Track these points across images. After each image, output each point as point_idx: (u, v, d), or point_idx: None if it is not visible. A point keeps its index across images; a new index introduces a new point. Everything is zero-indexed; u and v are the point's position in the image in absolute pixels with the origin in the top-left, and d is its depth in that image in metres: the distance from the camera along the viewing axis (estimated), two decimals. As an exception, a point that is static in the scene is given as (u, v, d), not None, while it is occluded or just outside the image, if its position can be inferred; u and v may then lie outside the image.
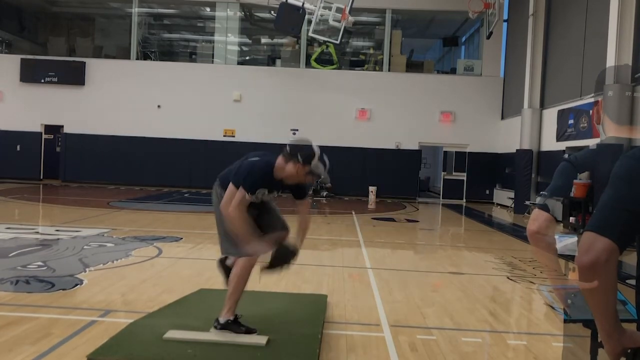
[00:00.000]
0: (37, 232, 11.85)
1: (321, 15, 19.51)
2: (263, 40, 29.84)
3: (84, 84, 26.13)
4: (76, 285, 7.23)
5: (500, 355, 5.44)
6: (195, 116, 25.54)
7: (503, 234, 15.97)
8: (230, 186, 4.91)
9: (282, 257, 4.92)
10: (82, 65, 26.15)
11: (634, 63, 14.27)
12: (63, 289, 6.99)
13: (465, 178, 25.87)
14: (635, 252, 1.99)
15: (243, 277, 4.97)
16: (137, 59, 26.97)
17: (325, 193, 24.48)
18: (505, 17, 25.40)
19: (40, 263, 8.38)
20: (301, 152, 4.87)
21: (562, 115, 18.88)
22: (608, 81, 14.62)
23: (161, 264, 8.93)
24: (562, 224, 16.32)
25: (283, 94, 25.48)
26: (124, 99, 25.88)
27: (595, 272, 1.79)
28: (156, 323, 5.26)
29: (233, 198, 4.81)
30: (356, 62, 28.40)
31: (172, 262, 9.24)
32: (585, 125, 16.92)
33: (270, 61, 27.87)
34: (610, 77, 14.55)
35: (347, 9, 19.10)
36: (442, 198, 26.14)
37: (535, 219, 3.39)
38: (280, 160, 4.93)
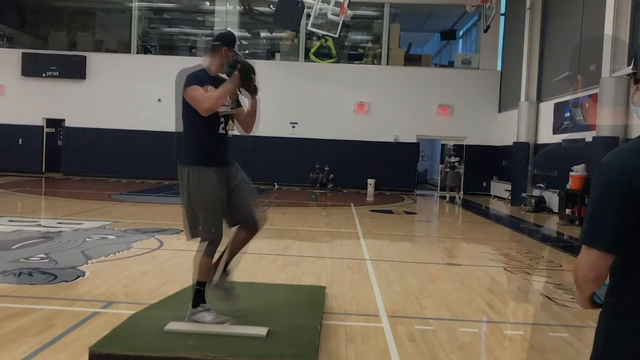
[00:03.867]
0: (40, 225, 11.90)
1: (320, 9, 19.50)
2: (262, 34, 29.82)
3: (85, 78, 26.16)
4: (78, 277, 7.30)
5: (497, 345, 5.52)
6: (195, 110, 25.50)
7: (500, 225, 16.06)
8: (185, 92, 4.91)
9: (246, 74, 4.88)
10: (83, 59, 26.18)
11: (629, 56, 14.32)
12: (65, 281, 7.07)
13: (462, 170, 25.89)
14: None
15: (204, 270, 4.97)
16: (138, 53, 27.01)
17: (330, 185, 24.59)
18: (503, 10, 25.41)
19: (42, 255, 8.45)
20: (218, 37, 5.06)
21: (558, 108, 18.95)
22: (604, 74, 14.69)
23: (162, 256, 9.01)
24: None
25: (282, 88, 25.46)
26: (125, 92, 25.91)
27: (597, 284, 2.06)
28: (157, 315, 5.29)
29: (197, 99, 4.79)
30: (355, 56, 28.43)
31: (173, 254, 9.32)
32: (581, 117, 17.00)
33: (270, 55, 27.89)
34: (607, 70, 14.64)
35: (346, 2, 19.08)
36: (440, 190, 26.18)
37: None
38: (205, 58, 5.10)
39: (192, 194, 4.90)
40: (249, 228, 5.11)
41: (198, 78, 4.89)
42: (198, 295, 4.96)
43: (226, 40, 5.03)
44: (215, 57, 5.01)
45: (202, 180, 4.87)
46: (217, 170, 4.91)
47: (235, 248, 5.16)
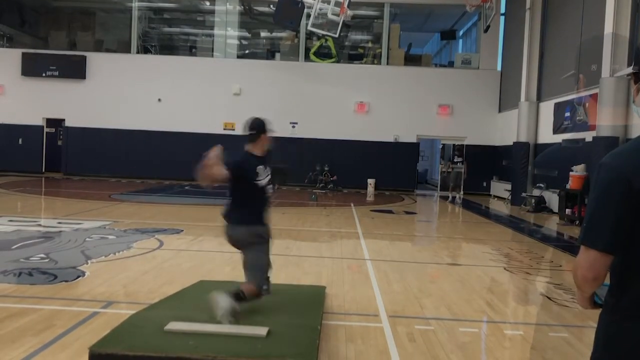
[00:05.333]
0: (40, 225, 11.90)
1: (320, 9, 19.50)
2: (262, 34, 29.81)
3: (85, 78, 26.15)
4: (78, 277, 7.31)
5: (497, 345, 5.53)
6: (196, 109, 25.58)
7: (500, 225, 16.05)
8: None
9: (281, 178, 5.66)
10: (83, 59, 26.18)
11: (630, 56, 14.31)
12: (65, 281, 7.07)
13: (462, 170, 25.92)
14: None
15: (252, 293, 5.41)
16: (138, 52, 26.99)
17: (330, 185, 24.58)
18: (503, 10, 25.42)
19: (42, 255, 8.46)
20: (255, 127, 5.77)
21: (558, 108, 18.96)
22: (604, 74, 14.68)
23: (162, 256, 9.00)
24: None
25: (282, 88, 25.50)
26: (125, 92, 25.91)
27: (596, 284, 2.07)
28: (157, 314, 5.30)
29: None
30: (355, 56, 28.40)
31: (173, 254, 9.33)
32: (582, 117, 17.00)
33: (270, 55, 27.87)
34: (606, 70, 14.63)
35: (346, 2, 19.08)
36: (440, 190, 26.22)
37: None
38: (248, 146, 5.76)
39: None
40: None
41: (246, 163, 5.61)
42: (238, 297, 5.22)
43: (263, 128, 5.78)
44: (258, 143, 5.75)
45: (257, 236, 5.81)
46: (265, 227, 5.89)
47: None
